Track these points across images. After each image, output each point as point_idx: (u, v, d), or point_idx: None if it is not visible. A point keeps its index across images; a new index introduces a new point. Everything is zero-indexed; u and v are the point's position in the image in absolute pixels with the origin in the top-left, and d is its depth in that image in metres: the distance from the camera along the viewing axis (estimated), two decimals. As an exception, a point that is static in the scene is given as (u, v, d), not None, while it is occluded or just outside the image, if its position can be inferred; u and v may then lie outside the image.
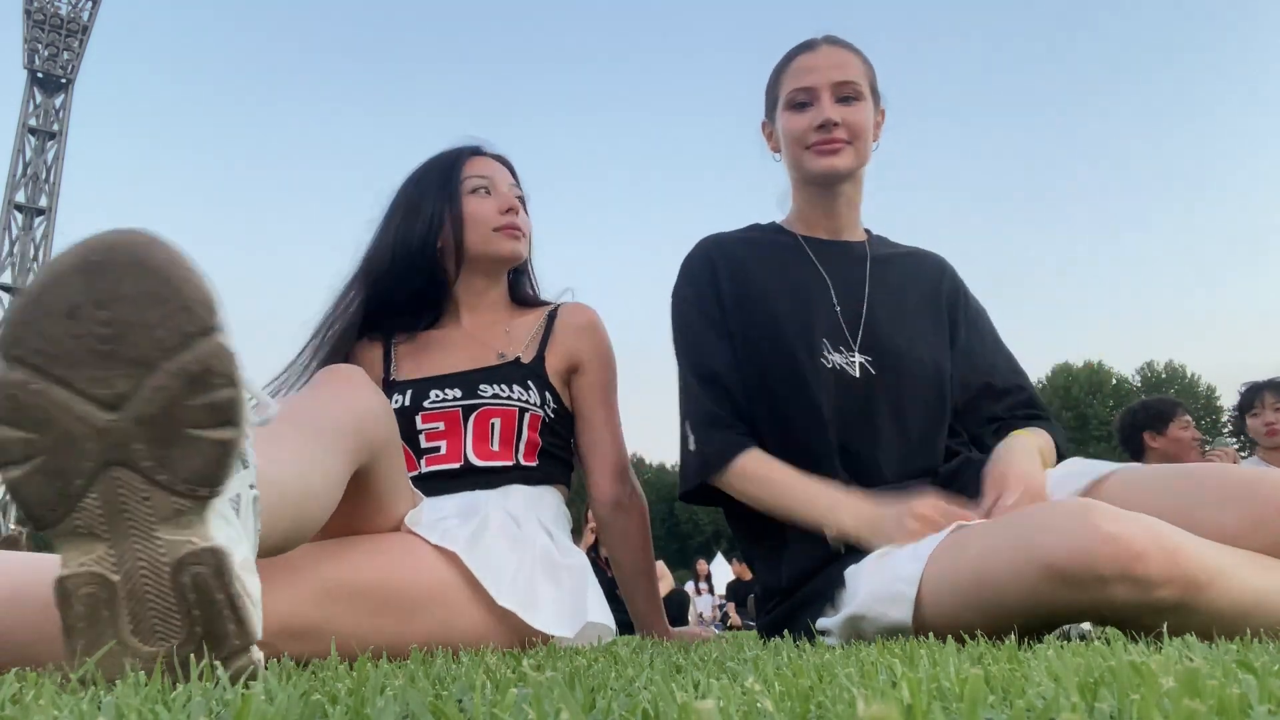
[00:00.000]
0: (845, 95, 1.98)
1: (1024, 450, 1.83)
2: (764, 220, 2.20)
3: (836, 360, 1.92)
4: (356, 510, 1.42)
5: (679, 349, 2.06)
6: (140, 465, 0.87)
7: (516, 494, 1.90)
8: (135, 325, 0.85)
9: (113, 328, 0.85)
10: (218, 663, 0.88)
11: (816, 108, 1.98)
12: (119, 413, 0.86)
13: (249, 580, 0.94)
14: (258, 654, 0.93)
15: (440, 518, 1.70)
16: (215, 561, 0.88)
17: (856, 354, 1.94)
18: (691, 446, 1.96)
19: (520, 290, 2.28)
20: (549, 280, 2.37)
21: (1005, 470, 1.76)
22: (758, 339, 1.96)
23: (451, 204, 2.12)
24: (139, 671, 0.82)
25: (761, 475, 1.86)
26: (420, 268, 2.12)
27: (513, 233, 2.14)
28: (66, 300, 0.84)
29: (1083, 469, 1.73)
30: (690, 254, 2.12)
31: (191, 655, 0.88)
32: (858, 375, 1.92)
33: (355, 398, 1.38)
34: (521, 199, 2.23)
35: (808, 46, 2.06)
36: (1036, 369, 53.45)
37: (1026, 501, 1.67)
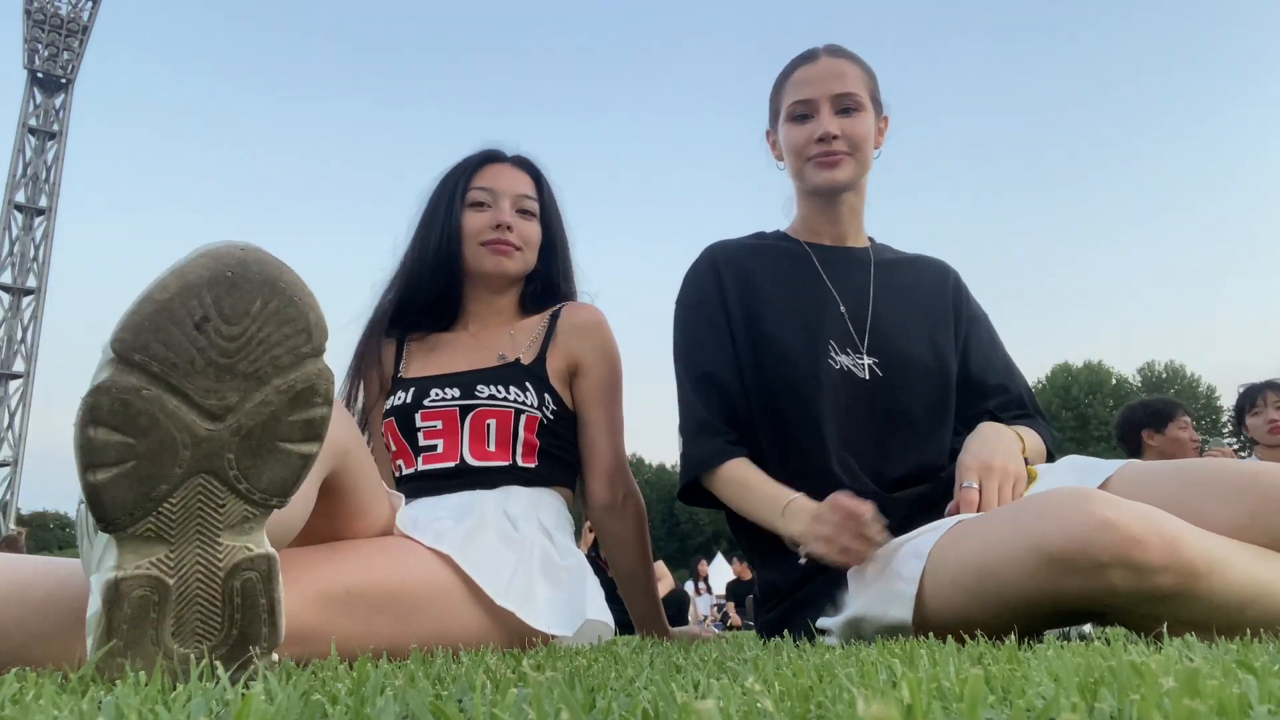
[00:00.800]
0: (845, 106, 2.00)
1: (986, 435, 1.83)
2: (769, 227, 2.21)
3: (845, 362, 1.94)
4: (335, 517, 1.43)
5: (678, 353, 2.08)
6: (226, 474, 0.90)
7: (516, 495, 1.90)
8: (257, 342, 0.88)
9: (236, 343, 0.87)
10: (251, 663, 0.92)
11: (816, 120, 2.00)
12: (221, 423, 0.89)
13: (281, 594, 0.97)
14: (276, 656, 0.96)
15: (435, 518, 1.70)
16: (267, 568, 0.93)
17: (865, 356, 1.95)
18: (681, 450, 2.00)
19: (531, 298, 2.27)
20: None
21: (966, 459, 1.77)
22: (762, 343, 1.97)
23: (451, 217, 2.16)
24: (160, 671, 0.82)
25: (737, 480, 1.89)
26: (436, 277, 2.17)
27: (498, 248, 2.15)
28: (197, 312, 0.86)
29: (1087, 465, 1.73)
30: (695, 261, 2.13)
31: (220, 656, 0.91)
32: (866, 377, 1.93)
33: None
34: (535, 211, 2.23)
35: (808, 58, 2.07)
36: (1036, 369, 53.46)
37: (992, 482, 1.69)
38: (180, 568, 0.89)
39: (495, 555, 1.63)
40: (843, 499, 1.62)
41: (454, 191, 2.18)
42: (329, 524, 1.42)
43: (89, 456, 0.86)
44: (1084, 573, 1.28)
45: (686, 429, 1.99)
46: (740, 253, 2.10)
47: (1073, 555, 1.28)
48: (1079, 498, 1.33)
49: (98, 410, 0.85)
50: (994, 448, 1.77)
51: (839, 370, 1.93)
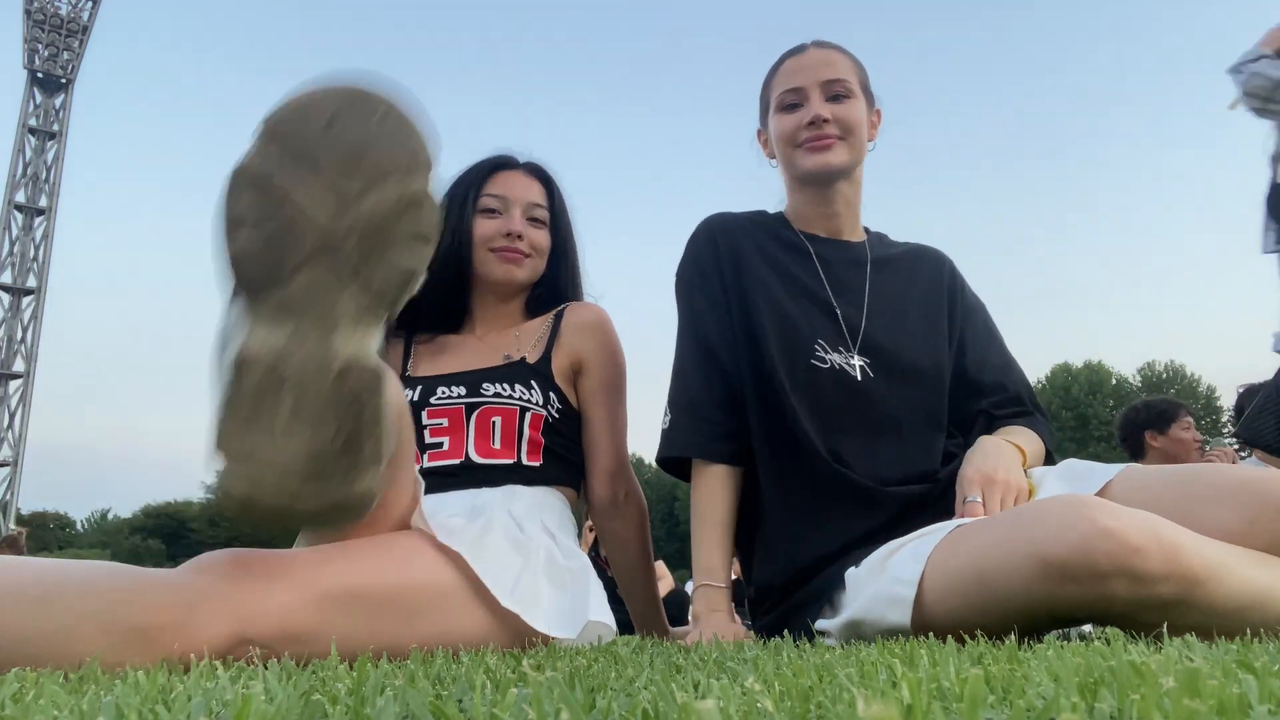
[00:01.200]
0: (835, 93, 1.98)
1: (988, 450, 1.82)
2: (771, 208, 2.19)
3: (836, 360, 1.92)
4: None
5: (684, 325, 2.09)
6: (345, 263, 1.00)
7: (520, 496, 1.90)
8: (378, 146, 1.02)
9: (360, 144, 1.01)
10: (349, 473, 1.00)
11: (806, 107, 1.99)
12: (343, 213, 1.00)
13: (389, 409, 1.05)
14: (378, 480, 1.03)
15: (447, 516, 1.70)
16: (372, 378, 1.02)
17: (856, 355, 1.94)
18: (665, 424, 2.03)
19: (537, 302, 2.27)
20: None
21: (969, 471, 1.76)
22: (749, 333, 1.97)
23: (462, 223, 2.17)
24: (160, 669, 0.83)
25: (696, 501, 1.97)
26: (445, 280, 2.17)
27: (507, 255, 2.15)
28: (329, 111, 1.00)
29: (1084, 471, 1.73)
30: (696, 232, 2.13)
31: (328, 459, 0.99)
32: (858, 377, 1.92)
33: None
34: (545, 219, 2.23)
35: (796, 50, 2.06)
36: (1037, 369, 53.27)
37: (994, 495, 1.69)
38: (299, 352, 0.98)
39: (503, 557, 1.63)
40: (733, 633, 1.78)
41: (465, 197, 2.18)
42: None
43: (233, 216, 0.98)
44: (1083, 581, 1.27)
45: (679, 403, 2.01)
46: (738, 232, 2.09)
47: (1072, 564, 1.27)
48: (1078, 505, 1.32)
49: (243, 177, 0.99)
50: (996, 461, 1.77)
51: (828, 369, 1.92)
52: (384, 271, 1.02)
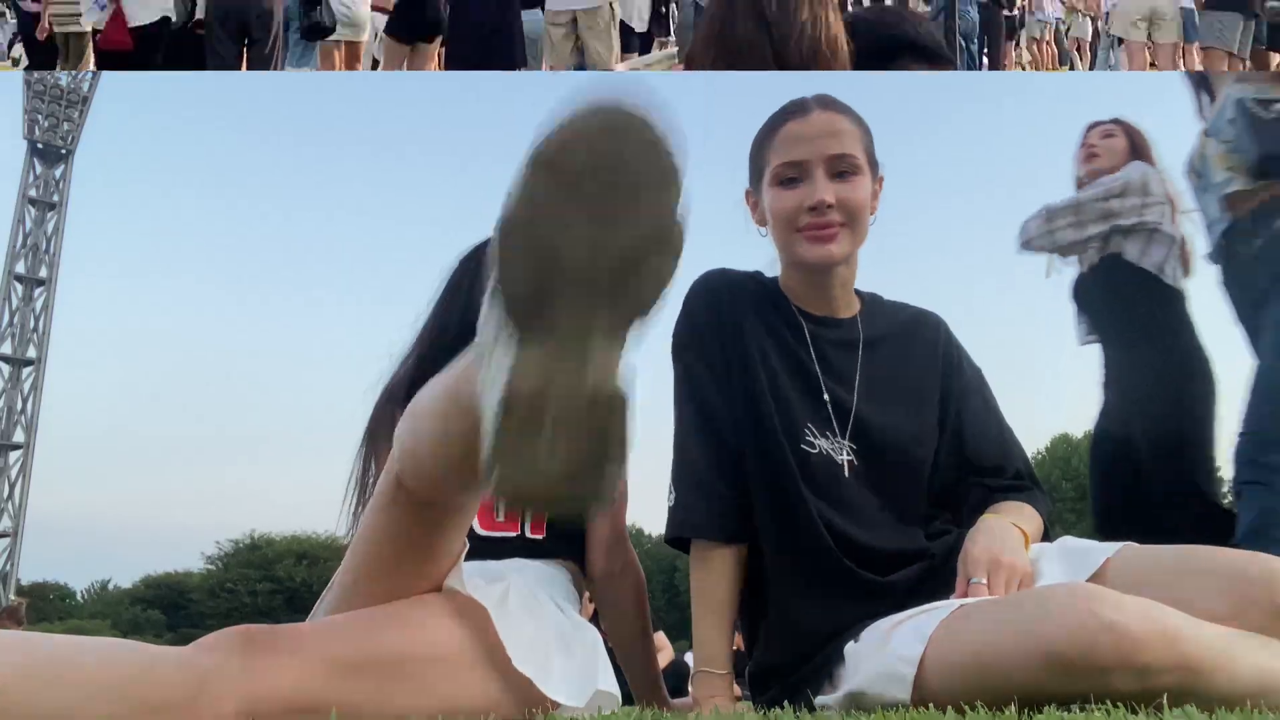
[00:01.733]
0: (841, 170, 1.81)
1: (994, 531, 1.79)
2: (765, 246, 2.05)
3: (824, 446, 1.88)
4: (459, 491, 1.43)
5: (679, 395, 1.98)
6: (600, 289, 1.03)
7: (528, 570, 1.89)
8: (632, 168, 1.01)
9: (615, 168, 1.01)
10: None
11: (808, 185, 1.80)
12: (601, 242, 1.01)
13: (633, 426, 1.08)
14: (620, 480, 1.07)
15: (467, 577, 1.70)
16: (621, 405, 1.04)
17: (845, 441, 1.89)
18: (670, 501, 1.95)
19: None
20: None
21: (975, 551, 1.74)
22: (750, 404, 1.89)
23: (472, 301, 2.11)
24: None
25: (697, 583, 1.91)
26: (453, 354, 2.13)
27: None
28: (588, 140, 1.00)
29: (1080, 550, 1.72)
30: (692, 291, 1.98)
31: (582, 476, 1.04)
32: (846, 466, 1.88)
33: None
34: None
35: (797, 111, 1.88)
36: (1036, 439, 52.95)
37: (999, 578, 1.67)
38: (556, 386, 1.02)
39: (519, 621, 1.62)
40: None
41: (475, 275, 2.13)
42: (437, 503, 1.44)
43: (504, 254, 1.02)
44: (1085, 675, 1.26)
45: (684, 480, 1.93)
46: (740, 297, 1.96)
47: (1074, 658, 1.27)
48: (1082, 597, 1.32)
49: (513, 220, 1.01)
50: (1002, 543, 1.74)
51: (817, 454, 1.87)
52: (635, 290, 1.05)
